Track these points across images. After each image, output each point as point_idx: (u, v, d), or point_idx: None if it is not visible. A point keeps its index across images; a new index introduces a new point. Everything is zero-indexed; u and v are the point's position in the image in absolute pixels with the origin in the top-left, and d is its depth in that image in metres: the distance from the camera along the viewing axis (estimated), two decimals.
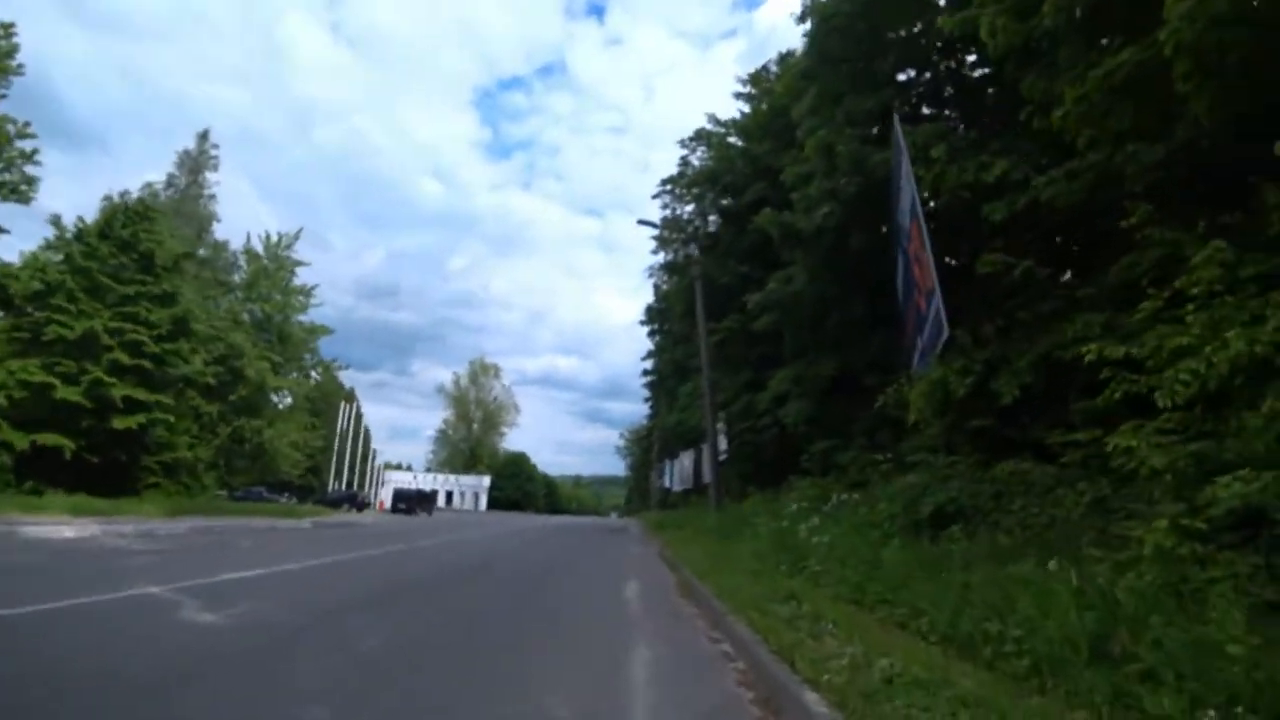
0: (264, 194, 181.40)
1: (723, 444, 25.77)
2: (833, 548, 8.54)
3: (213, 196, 41.35)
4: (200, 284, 33.68)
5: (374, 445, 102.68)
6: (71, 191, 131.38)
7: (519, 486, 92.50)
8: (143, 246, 25.39)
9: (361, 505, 44.88)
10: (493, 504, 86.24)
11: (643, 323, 37.53)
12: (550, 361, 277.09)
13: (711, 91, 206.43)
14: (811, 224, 13.62)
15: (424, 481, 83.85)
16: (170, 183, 41.07)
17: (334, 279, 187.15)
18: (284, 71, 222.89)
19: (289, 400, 38.76)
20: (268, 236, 39.04)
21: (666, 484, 59.83)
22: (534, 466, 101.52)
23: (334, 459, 51.74)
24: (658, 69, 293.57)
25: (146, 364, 24.65)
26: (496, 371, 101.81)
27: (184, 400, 30.22)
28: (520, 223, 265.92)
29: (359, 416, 56.31)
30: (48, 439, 22.48)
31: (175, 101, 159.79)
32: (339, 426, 52.67)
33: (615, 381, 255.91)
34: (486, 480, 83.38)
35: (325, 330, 38.84)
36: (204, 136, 42.77)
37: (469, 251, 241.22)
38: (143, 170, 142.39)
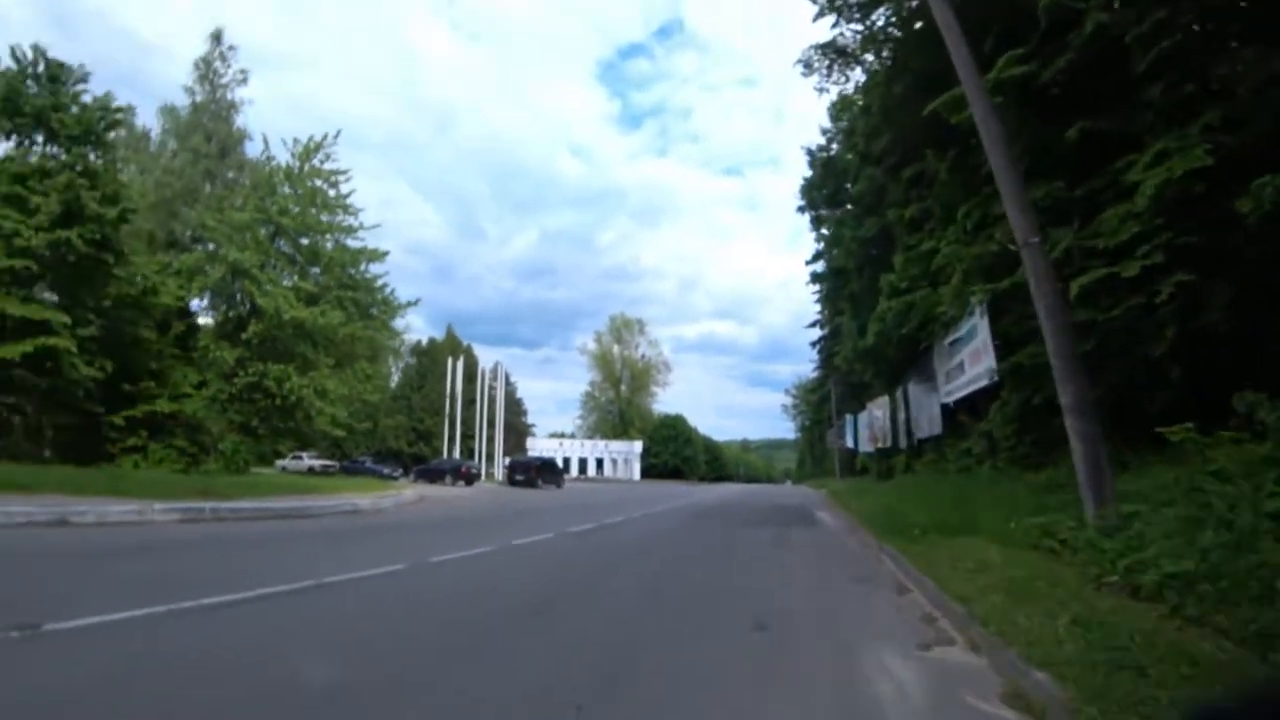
0: (421, 193, 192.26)
1: (986, 357, 13.65)
2: None
3: (233, 107, 34.32)
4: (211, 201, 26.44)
5: (529, 417, 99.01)
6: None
7: (676, 452, 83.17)
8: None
9: (470, 477, 37.00)
10: (647, 471, 77.70)
11: (801, 209, 25.50)
12: (708, 327, 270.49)
13: None
14: None
15: (571, 450, 76.98)
16: (189, 95, 34.78)
17: (493, 265, 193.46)
18: (418, 77, 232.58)
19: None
20: (295, 142, 30.71)
21: (849, 444, 47.44)
22: (693, 429, 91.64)
23: (445, 424, 44.65)
24: (783, 6, 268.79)
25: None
26: (641, 327, 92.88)
27: (168, 336, 22.80)
28: (662, 191, 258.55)
29: (479, 376, 48.90)
30: None
31: (336, 122, 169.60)
32: (447, 386, 45.47)
33: (776, 342, 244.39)
34: (638, 446, 74.68)
35: (377, 255, 30.04)
36: (216, 37, 35.99)
37: (616, 225, 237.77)
38: None
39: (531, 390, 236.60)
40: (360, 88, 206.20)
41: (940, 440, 20.62)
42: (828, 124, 25.36)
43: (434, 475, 37.00)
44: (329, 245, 30.23)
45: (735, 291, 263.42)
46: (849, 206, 23.57)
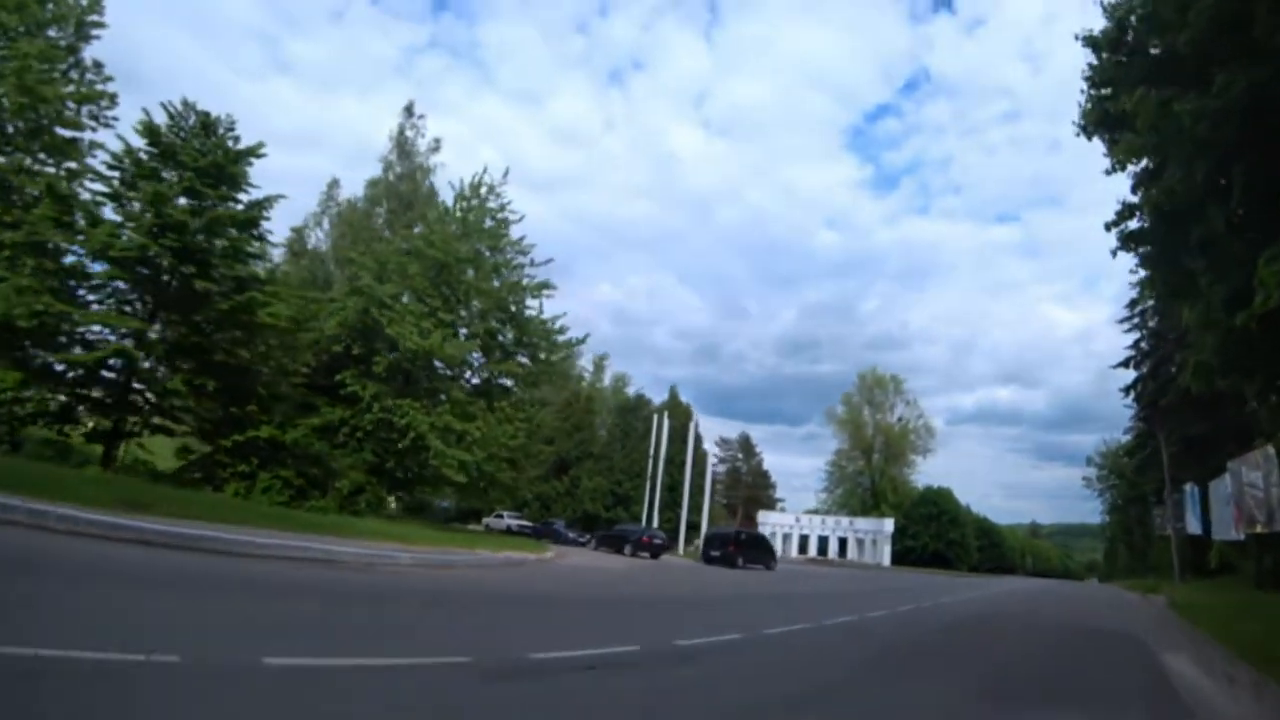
0: (685, 281, 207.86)
1: None
2: None
3: (425, 171, 33.47)
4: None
5: (783, 492, 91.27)
6: (553, 309, 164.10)
7: (938, 534, 69.06)
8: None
9: (654, 548, 30.91)
10: (902, 556, 65.13)
11: (1085, 130, 16.02)
12: (987, 394, 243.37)
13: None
14: None
15: (810, 526, 67.47)
16: (386, 169, 34.91)
17: (757, 341, 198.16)
18: (676, 176, 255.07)
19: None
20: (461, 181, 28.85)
21: (1193, 528, 33.20)
22: (961, 506, 76.11)
23: (646, 488, 39.25)
24: (1034, 31, 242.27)
25: None
26: (897, 386, 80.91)
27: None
28: (925, 249, 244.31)
29: (696, 439, 43.23)
30: None
31: (602, 228, 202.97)
32: (651, 445, 40.24)
33: (1072, 408, 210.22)
34: (889, 525, 62.74)
35: (541, 288, 26.31)
36: (409, 110, 36.45)
37: (878, 292, 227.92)
38: (596, 285, 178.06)
39: (795, 467, 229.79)
40: (625, 192, 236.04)
41: None
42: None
43: (614, 542, 31.74)
44: (494, 281, 27.34)
45: (1019, 352, 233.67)
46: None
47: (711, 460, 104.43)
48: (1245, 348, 14.62)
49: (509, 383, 27.76)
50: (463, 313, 26.01)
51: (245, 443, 19.86)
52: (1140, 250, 17.78)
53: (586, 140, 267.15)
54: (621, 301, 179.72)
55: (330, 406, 24.38)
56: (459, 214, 28.03)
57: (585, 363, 71.81)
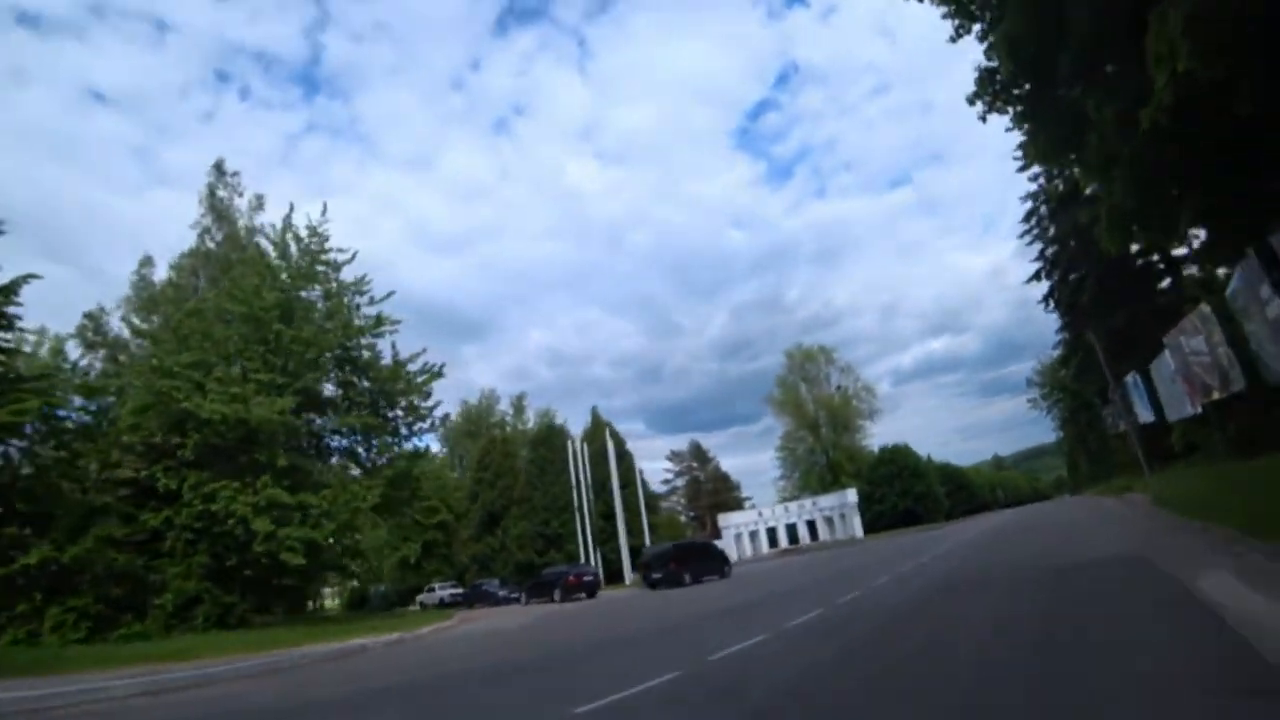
0: (610, 311, 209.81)
1: None
2: None
3: (254, 232, 29.44)
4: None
5: (749, 491, 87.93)
6: (484, 368, 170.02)
7: (904, 490, 66.68)
8: None
9: (589, 586, 26.97)
10: (874, 523, 62.46)
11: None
12: (922, 350, 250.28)
13: None
14: None
15: (776, 518, 64.26)
16: (202, 235, 30.70)
17: (695, 352, 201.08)
18: (580, 209, 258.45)
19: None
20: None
21: (1144, 416, 31.19)
22: (919, 457, 73.95)
23: (577, 523, 35.18)
24: (883, 5, 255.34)
25: None
26: (828, 356, 78.87)
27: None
28: (832, 229, 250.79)
29: (619, 455, 39.32)
30: None
31: (520, 274, 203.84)
32: (573, 475, 36.26)
33: (1002, 341, 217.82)
34: (852, 495, 59.85)
35: (380, 323, 22.88)
36: (219, 168, 32.38)
37: (798, 279, 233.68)
38: (526, 333, 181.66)
39: (760, 464, 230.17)
40: (535, 236, 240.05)
41: None
42: None
43: (543, 590, 27.73)
44: (324, 325, 23.32)
45: (941, 301, 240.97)
46: None
47: (667, 474, 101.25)
48: (1158, 167, 11.88)
49: (357, 440, 23.63)
50: (288, 368, 21.81)
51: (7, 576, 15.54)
52: (1011, 104, 15.13)
53: (485, 192, 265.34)
54: (554, 344, 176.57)
55: (154, 512, 20.10)
56: (275, 262, 24.04)
57: (504, 406, 67.51)
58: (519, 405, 63.45)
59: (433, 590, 38.99)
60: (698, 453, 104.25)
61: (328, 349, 22.21)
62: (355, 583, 50.38)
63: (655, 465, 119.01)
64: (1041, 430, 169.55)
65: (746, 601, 14.17)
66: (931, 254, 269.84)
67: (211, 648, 14.19)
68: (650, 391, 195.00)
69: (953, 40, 15.09)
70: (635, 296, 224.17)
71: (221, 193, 33.00)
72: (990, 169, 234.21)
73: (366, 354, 23.66)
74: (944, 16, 15.03)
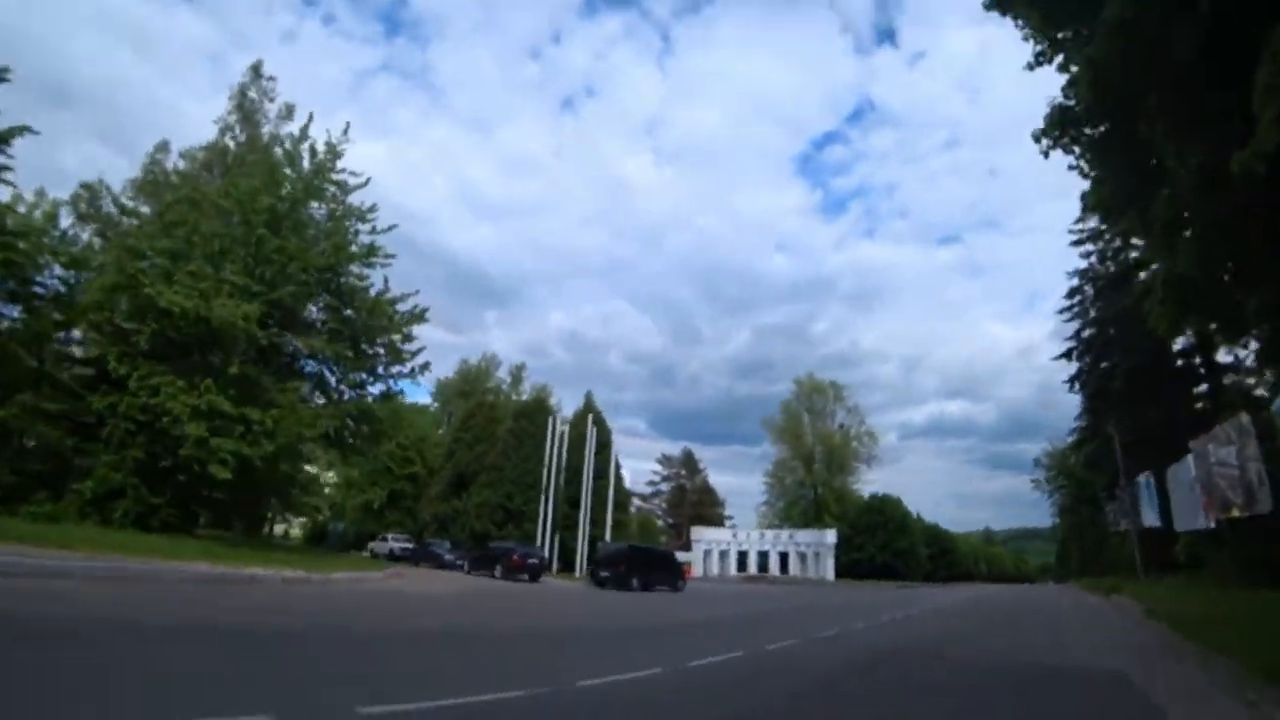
0: (639, 306, 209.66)
1: None
2: None
3: (279, 139, 28.29)
4: None
5: (732, 511, 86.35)
6: (501, 335, 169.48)
7: (885, 543, 64.73)
8: None
9: (533, 569, 25.74)
10: (850, 569, 60.64)
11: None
12: (937, 408, 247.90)
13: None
14: None
15: (750, 542, 62.70)
16: (223, 132, 29.64)
17: (711, 364, 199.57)
18: (628, 203, 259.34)
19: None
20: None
21: (1149, 520, 29.40)
22: (908, 513, 71.98)
23: (543, 502, 33.86)
24: (972, 64, 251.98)
25: None
26: (837, 392, 76.98)
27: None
28: (874, 272, 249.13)
29: (598, 445, 37.96)
30: None
31: (554, 254, 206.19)
32: (548, 454, 34.95)
33: (1019, 418, 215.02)
34: (831, 536, 58.12)
35: (369, 253, 21.90)
36: (256, 70, 31.30)
37: (829, 314, 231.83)
38: (549, 312, 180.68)
39: (750, 487, 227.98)
40: (577, 220, 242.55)
41: None
42: None
43: (487, 563, 26.67)
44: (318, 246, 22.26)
45: (966, 366, 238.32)
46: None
47: (654, 477, 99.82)
48: (1234, 238, 10.30)
49: (330, 368, 22.54)
50: (265, 276, 20.67)
51: None
52: (1080, 145, 13.56)
53: (538, 168, 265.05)
54: (575, 327, 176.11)
55: (103, 395, 19.11)
56: (285, 170, 23.01)
57: (503, 374, 66.43)
58: (517, 375, 62.34)
59: (384, 540, 38.05)
60: (688, 461, 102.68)
61: (312, 266, 21.04)
62: (320, 515, 49.63)
63: (645, 466, 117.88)
64: (1038, 513, 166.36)
65: (672, 624, 12.87)
66: (967, 317, 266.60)
67: (99, 543, 13.12)
68: (659, 393, 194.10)
69: (1030, 68, 13.57)
70: (662, 297, 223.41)
71: (253, 94, 32.00)
72: (1042, 247, 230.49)
73: (356, 283, 22.51)
74: (1025, 38, 13.54)
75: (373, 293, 23.23)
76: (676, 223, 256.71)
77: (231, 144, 31.39)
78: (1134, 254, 32.23)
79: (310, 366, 23.64)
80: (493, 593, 18.87)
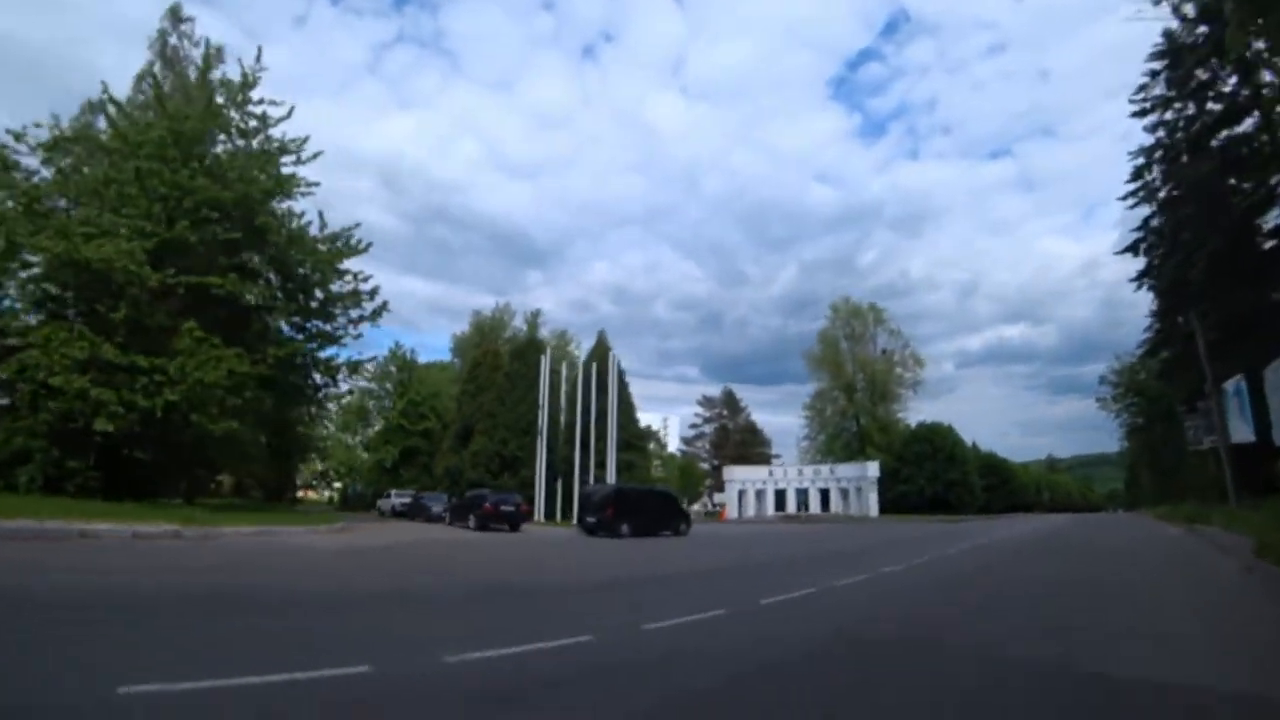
0: (683, 253, 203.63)
1: None
2: None
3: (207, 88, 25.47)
4: None
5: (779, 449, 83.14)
6: (545, 294, 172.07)
7: (935, 474, 60.51)
8: None
9: (511, 517, 23.16)
10: (898, 503, 56.97)
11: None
12: (996, 334, 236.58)
13: None
14: None
15: (787, 479, 59.45)
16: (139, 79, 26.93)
17: (758, 305, 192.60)
18: (660, 147, 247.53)
19: None
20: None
21: (1243, 435, 24.77)
22: (961, 441, 67.10)
23: (538, 445, 31.12)
24: None
25: None
26: (877, 315, 71.69)
27: None
28: (919, 194, 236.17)
29: (597, 382, 34.74)
30: None
31: (591, 207, 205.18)
32: (541, 393, 32.03)
33: (1083, 339, 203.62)
34: (873, 469, 54.21)
35: (291, 183, 19.23)
36: (174, 13, 28.14)
37: (876, 242, 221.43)
38: (592, 267, 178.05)
39: (798, 426, 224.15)
40: (611, 169, 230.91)
41: None
42: None
43: (464, 513, 24.36)
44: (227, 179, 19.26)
45: (1024, 289, 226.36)
46: None
47: (695, 419, 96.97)
48: None
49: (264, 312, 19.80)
50: (160, 215, 17.84)
51: None
52: None
53: (565, 120, 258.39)
54: (620, 280, 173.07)
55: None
56: (176, 103, 20.08)
57: (519, 322, 63.54)
58: (533, 323, 59.27)
59: (388, 497, 37.03)
60: (729, 400, 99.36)
61: (208, 198, 18.03)
62: (326, 474, 48.39)
63: (689, 410, 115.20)
64: (1105, 437, 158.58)
65: (650, 576, 10.17)
66: (1023, 235, 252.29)
67: None
68: (709, 339, 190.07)
69: None
70: (705, 241, 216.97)
71: (173, 40, 29.28)
72: (1103, 153, 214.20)
73: (272, 220, 19.48)
74: None
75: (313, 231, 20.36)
76: (712, 162, 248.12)
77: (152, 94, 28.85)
78: (1216, 104, 26.82)
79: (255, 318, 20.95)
80: (435, 543, 16.08)
